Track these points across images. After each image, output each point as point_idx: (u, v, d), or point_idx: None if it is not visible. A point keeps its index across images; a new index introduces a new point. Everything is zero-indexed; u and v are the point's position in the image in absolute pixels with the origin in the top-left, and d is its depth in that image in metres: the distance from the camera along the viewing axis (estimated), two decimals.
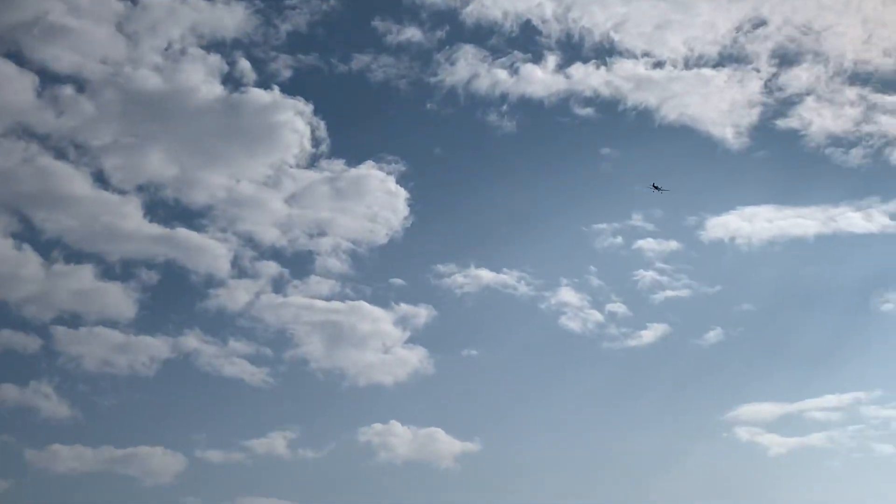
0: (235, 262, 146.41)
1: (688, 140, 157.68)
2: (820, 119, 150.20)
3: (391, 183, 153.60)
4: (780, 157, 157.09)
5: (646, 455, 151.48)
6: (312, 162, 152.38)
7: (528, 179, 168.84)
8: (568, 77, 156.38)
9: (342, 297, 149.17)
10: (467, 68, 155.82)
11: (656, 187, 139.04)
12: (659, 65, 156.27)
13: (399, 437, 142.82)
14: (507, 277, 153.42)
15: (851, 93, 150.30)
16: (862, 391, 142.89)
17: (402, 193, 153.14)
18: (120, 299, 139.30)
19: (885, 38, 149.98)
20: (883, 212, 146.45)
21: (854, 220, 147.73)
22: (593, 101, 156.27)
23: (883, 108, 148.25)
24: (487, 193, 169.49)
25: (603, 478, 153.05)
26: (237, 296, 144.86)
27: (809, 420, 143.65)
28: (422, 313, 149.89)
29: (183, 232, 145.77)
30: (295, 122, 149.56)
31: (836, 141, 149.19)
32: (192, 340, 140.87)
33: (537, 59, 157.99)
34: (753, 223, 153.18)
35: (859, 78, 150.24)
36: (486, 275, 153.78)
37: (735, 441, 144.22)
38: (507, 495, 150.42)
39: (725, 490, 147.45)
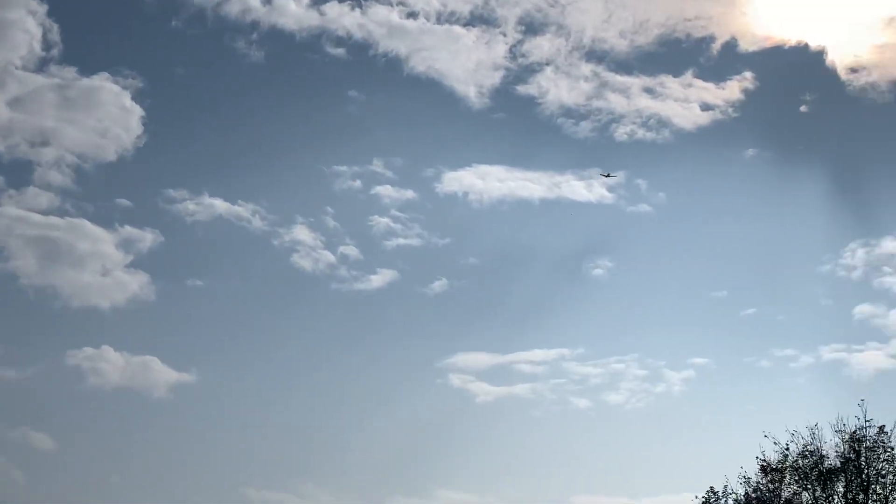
0: None
1: (433, 93, 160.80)
2: (556, 89, 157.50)
3: (126, 98, 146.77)
4: (516, 121, 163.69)
5: (363, 395, 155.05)
6: (41, 66, 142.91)
7: (272, 112, 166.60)
8: (322, 14, 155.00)
9: (61, 213, 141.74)
10: None
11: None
12: (412, 15, 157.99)
13: (111, 364, 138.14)
14: (242, 210, 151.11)
15: (587, 68, 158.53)
16: (566, 348, 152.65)
17: (137, 111, 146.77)
18: None
19: (623, 19, 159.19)
20: (602, 183, 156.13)
21: (577, 188, 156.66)
22: (345, 41, 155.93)
23: (613, 86, 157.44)
24: (229, 121, 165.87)
25: (320, 415, 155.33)
26: None
27: (517, 371, 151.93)
28: (147, 237, 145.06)
29: None
30: (25, 22, 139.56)
31: (568, 112, 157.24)
32: None
33: None
34: (486, 181, 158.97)
35: (595, 55, 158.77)
36: (219, 204, 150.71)
37: (448, 387, 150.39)
38: (220, 428, 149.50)
39: (435, 432, 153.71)
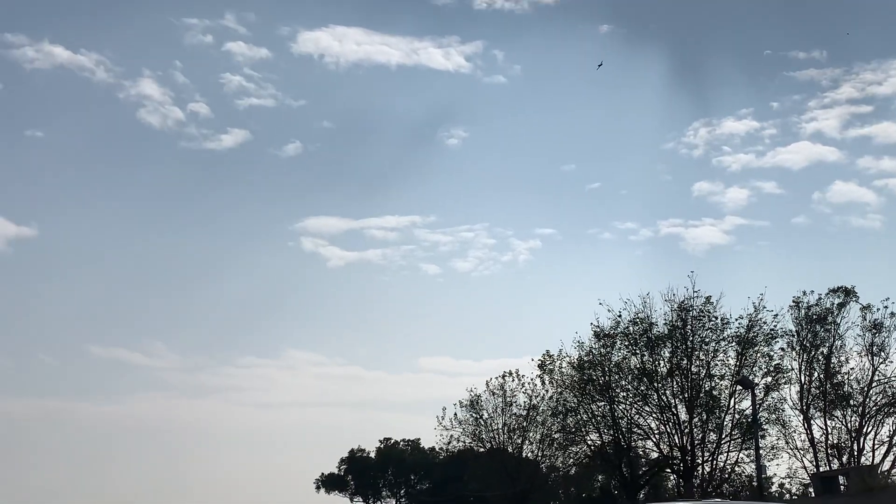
0: None
1: None
2: None
3: None
4: None
5: (212, 255, 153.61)
6: None
7: None
8: None
9: None
10: None
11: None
12: None
13: None
14: (86, 59, 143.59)
15: None
16: (418, 215, 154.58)
17: None
18: None
19: None
20: (460, 52, 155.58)
21: (434, 56, 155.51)
22: None
23: None
24: None
25: (167, 274, 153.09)
26: None
27: (369, 237, 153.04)
28: None
29: None
30: None
31: None
32: None
33: None
34: (343, 44, 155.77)
35: None
36: (61, 53, 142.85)
37: (299, 250, 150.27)
38: (64, 284, 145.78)
39: (286, 294, 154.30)
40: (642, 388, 52.62)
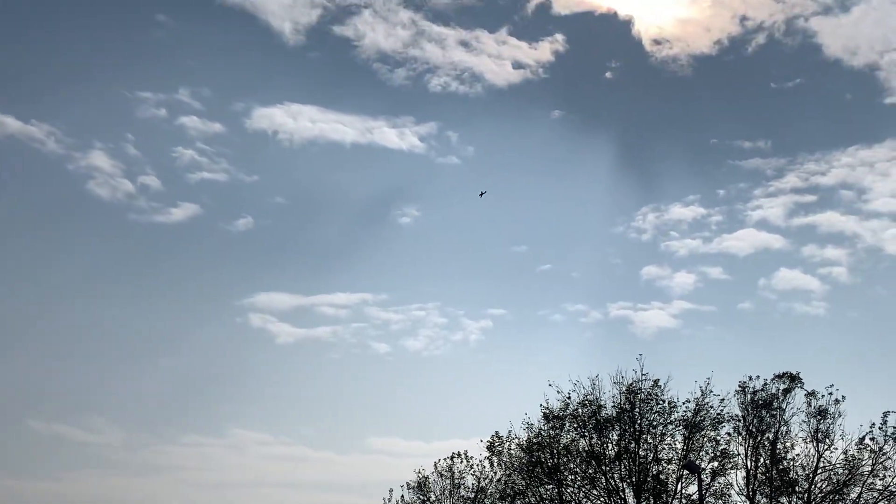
0: None
1: (246, 25, 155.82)
2: (373, 34, 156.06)
3: None
4: (331, 62, 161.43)
5: (157, 329, 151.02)
6: None
7: (74, 30, 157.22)
8: None
9: None
10: None
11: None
12: None
13: None
14: (36, 130, 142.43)
15: (405, 15, 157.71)
16: (369, 293, 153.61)
17: None
18: None
19: None
20: (414, 132, 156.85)
21: (388, 135, 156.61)
22: None
23: (430, 36, 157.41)
24: (27, 35, 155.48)
25: (111, 348, 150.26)
26: None
27: (319, 314, 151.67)
28: None
29: None
30: None
31: (384, 58, 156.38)
32: None
33: None
34: (298, 121, 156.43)
35: (414, 3, 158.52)
36: (11, 123, 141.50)
37: (247, 326, 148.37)
38: (4, 357, 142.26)
39: (232, 371, 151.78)
40: (590, 471, 52.45)
